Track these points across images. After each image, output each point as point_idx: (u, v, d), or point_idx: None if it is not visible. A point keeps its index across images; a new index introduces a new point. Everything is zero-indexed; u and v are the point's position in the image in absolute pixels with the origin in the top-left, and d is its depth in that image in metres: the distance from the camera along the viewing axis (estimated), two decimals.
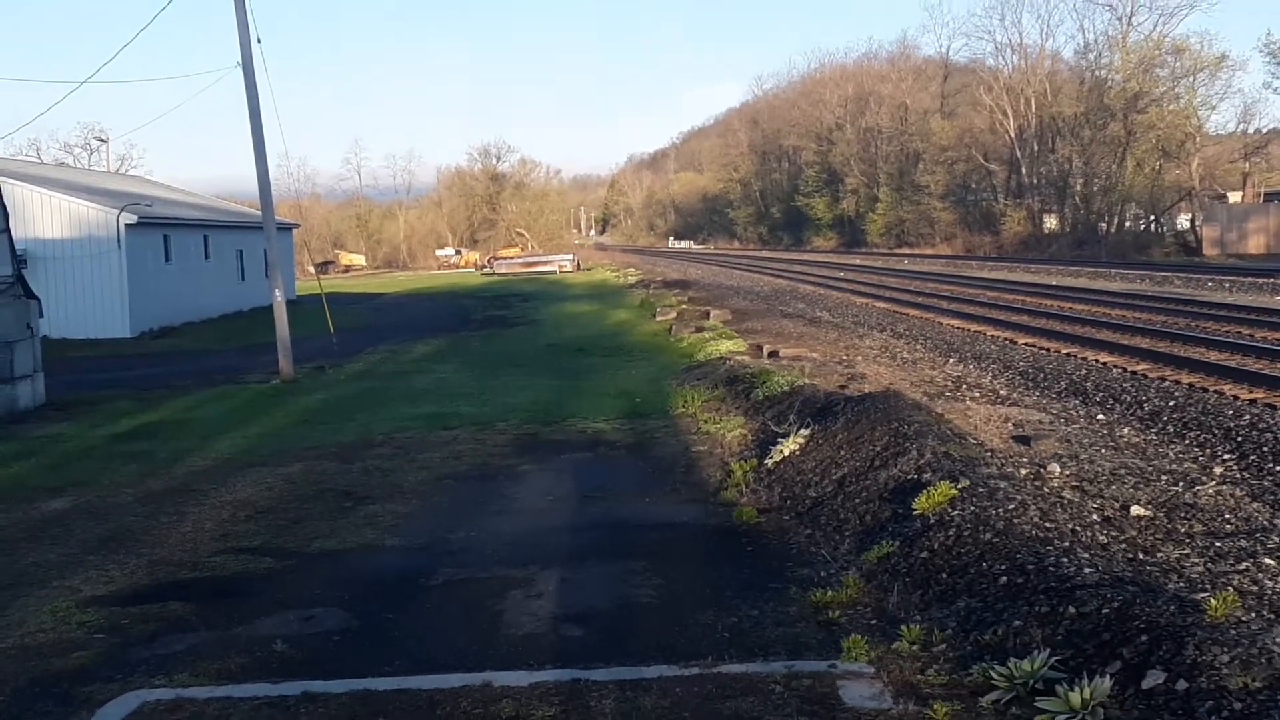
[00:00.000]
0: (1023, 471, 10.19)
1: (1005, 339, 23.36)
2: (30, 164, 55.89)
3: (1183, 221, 69.69)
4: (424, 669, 6.49)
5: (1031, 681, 5.57)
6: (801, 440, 11.71)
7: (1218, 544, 8.36)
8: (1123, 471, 10.87)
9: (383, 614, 7.61)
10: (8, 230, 19.23)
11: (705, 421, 14.85)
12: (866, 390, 14.67)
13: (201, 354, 30.00)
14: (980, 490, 8.60)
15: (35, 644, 7.22)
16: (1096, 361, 18.99)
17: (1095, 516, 8.79)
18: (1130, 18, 71.89)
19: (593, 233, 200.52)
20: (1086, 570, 6.81)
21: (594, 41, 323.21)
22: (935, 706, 5.59)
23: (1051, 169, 77.61)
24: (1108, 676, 5.43)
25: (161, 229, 38.11)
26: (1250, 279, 36.29)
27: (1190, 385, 15.86)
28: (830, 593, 7.47)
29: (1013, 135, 79.79)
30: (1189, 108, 65.71)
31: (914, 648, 6.42)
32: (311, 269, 69.34)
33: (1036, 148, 79.01)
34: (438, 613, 7.63)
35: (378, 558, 9.16)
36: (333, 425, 16.10)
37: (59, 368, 23.24)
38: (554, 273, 76.87)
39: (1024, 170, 80.00)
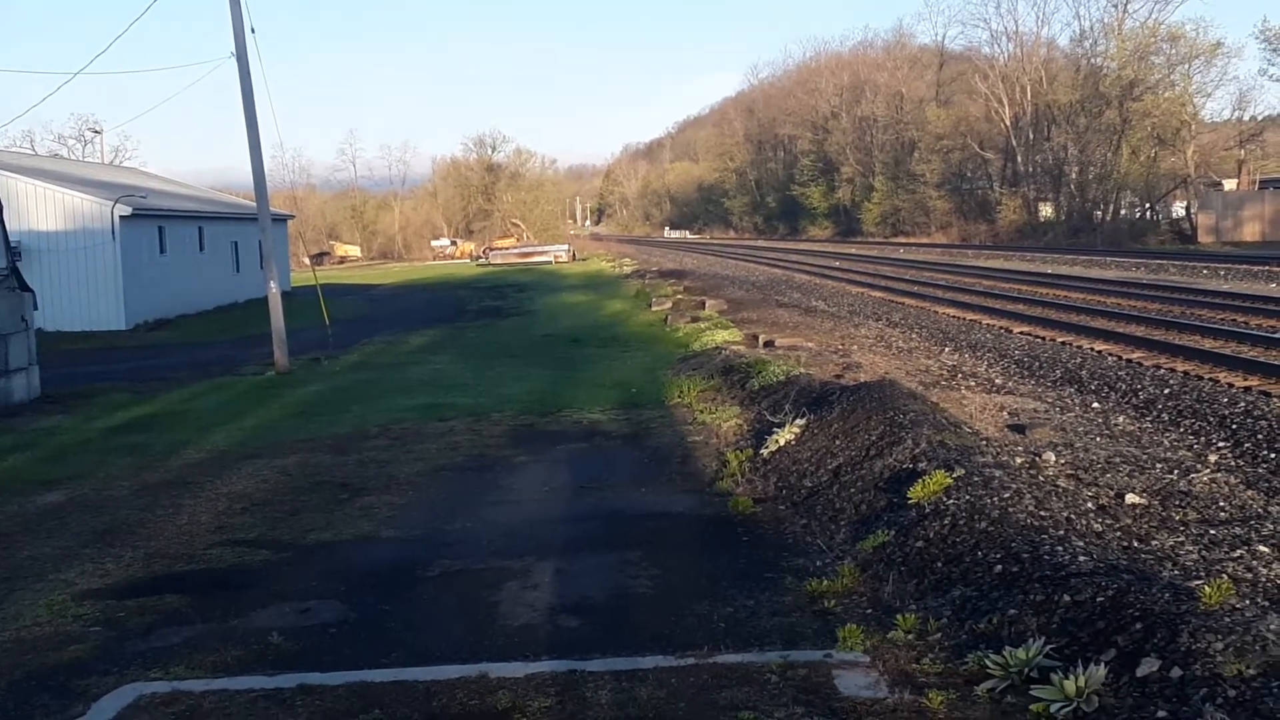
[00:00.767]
0: (1018, 460, 10.20)
1: (1001, 328, 23.38)
2: (24, 155, 55.80)
3: (1178, 209, 69.73)
4: (420, 660, 6.50)
5: (1026, 670, 5.58)
6: (797, 430, 11.72)
7: (1212, 531, 8.38)
8: (1118, 459, 10.88)
9: (379, 606, 7.61)
10: (2, 222, 19.18)
11: (701, 411, 14.85)
12: (862, 379, 14.68)
13: (197, 346, 29.98)
14: (975, 479, 8.61)
15: (31, 637, 7.22)
16: (1091, 350, 19.00)
17: (1090, 505, 8.80)
18: (1126, 5, 71.83)
19: (588, 223, 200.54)
20: (1081, 558, 6.82)
21: (590, 31, 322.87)
22: (930, 695, 5.60)
23: (1047, 157, 77.58)
24: (1102, 664, 5.44)
25: (156, 221, 38.06)
26: (1245, 266, 36.31)
27: (1185, 373, 15.87)
28: (825, 582, 7.48)
29: (1008, 123, 79.77)
30: (1184, 95, 65.72)
31: (909, 637, 6.43)
32: (306, 260, 69.24)
33: (1032, 136, 78.98)
34: (434, 604, 7.63)
35: (374, 549, 9.16)
36: (328, 417, 16.10)
37: (54, 360, 23.24)
38: (549, 263, 76.76)
39: (1019, 158, 79.99)
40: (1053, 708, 5.25)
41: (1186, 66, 66.18)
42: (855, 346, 21.25)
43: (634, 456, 12.59)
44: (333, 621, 7.33)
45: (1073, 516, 8.04)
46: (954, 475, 8.67)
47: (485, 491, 11.10)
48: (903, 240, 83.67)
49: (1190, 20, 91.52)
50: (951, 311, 27.33)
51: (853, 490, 9.55)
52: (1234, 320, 21.72)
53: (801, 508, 9.69)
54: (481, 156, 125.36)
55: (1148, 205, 70.81)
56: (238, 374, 22.25)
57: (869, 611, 7.00)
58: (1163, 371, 16.23)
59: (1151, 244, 60.42)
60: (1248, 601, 6.36)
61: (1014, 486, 8.46)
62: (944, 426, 10.71)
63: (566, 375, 19.71)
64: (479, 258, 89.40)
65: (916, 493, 8.53)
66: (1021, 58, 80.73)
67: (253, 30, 22.42)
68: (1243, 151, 68.84)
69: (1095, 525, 8.04)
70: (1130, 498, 9.17)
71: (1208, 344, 18.23)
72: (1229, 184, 68.08)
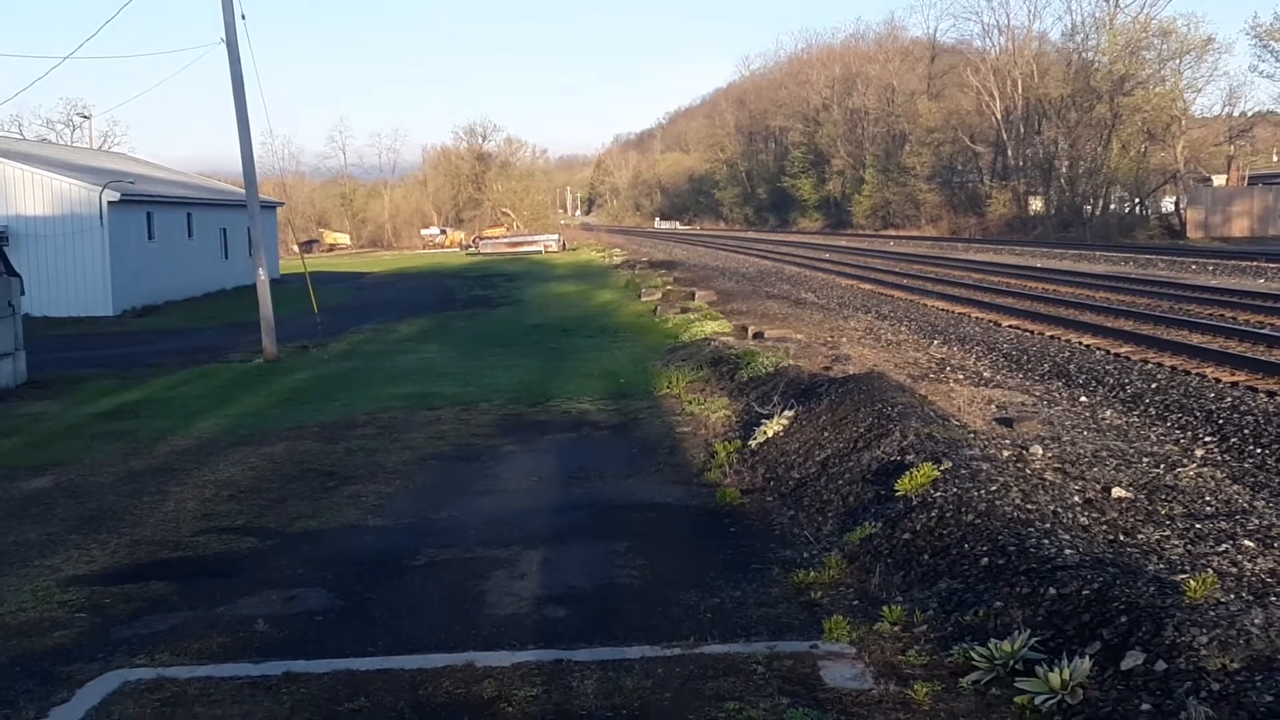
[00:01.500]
0: (1005, 453, 10.22)
1: (989, 321, 23.42)
2: (12, 140, 55.50)
3: (1167, 204, 69.89)
4: (406, 649, 6.49)
5: (1011, 662, 5.59)
6: (785, 421, 11.73)
7: (1198, 526, 8.40)
8: (1104, 453, 10.92)
9: (365, 594, 7.60)
10: None
11: (689, 402, 14.85)
12: (851, 372, 14.69)
13: (184, 332, 29.89)
14: (963, 472, 8.63)
15: (16, 623, 7.20)
16: (1080, 344, 19.05)
17: (1077, 498, 8.82)
18: (1117, 0, 71.92)
19: (579, 213, 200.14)
20: (1067, 552, 6.84)
21: (581, 21, 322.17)
22: (916, 687, 5.61)
23: (1037, 151, 77.66)
24: (1087, 657, 5.46)
25: (144, 206, 37.91)
26: (1234, 262, 36.42)
27: (1173, 368, 15.92)
28: (813, 574, 7.49)
29: (999, 117, 79.84)
30: (1175, 90, 65.78)
31: (895, 628, 6.44)
32: (295, 248, 69.06)
33: (1023, 130, 79.05)
34: (420, 593, 7.62)
35: (361, 538, 9.15)
36: (316, 405, 16.06)
37: (41, 346, 23.14)
38: (539, 253, 76.66)
39: (1010, 152, 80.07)
40: (1037, 700, 5.27)
41: (1177, 62, 66.27)
42: (844, 339, 21.27)
43: (622, 447, 12.59)
44: (319, 609, 7.31)
45: (1059, 510, 8.06)
46: (941, 468, 8.69)
47: (473, 481, 11.09)
48: (893, 233, 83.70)
49: (1181, 15, 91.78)
50: (941, 304, 27.37)
51: (840, 482, 9.56)
52: (1222, 315, 21.78)
53: (789, 499, 9.70)
54: (472, 145, 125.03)
55: (1137, 200, 70.91)
56: (225, 361, 22.19)
57: (855, 603, 7.01)
58: (1150, 366, 16.27)
59: (1141, 239, 60.56)
60: (1232, 595, 6.38)
61: (1001, 480, 8.48)
62: (932, 419, 10.72)
63: (555, 365, 19.69)
64: (469, 247, 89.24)
65: (904, 485, 8.54)
66: (1013, 51, 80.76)
67: (243, 16, 22.34)
68: (1232, 147, 68.97)
69: (1082, 519, 8.06)
70: (1117, 491, 9.19)
71: (1195, 339, 18.29)
72: (1218, 179, 68.18)
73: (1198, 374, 15.30)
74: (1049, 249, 51.60)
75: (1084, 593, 6.12)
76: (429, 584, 7.82)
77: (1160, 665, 5.28)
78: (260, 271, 22.99)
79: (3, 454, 13.26)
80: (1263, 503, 9.26)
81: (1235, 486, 9.84)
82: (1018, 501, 7.98)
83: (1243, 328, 19.22)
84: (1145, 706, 5.05)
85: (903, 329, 23.61)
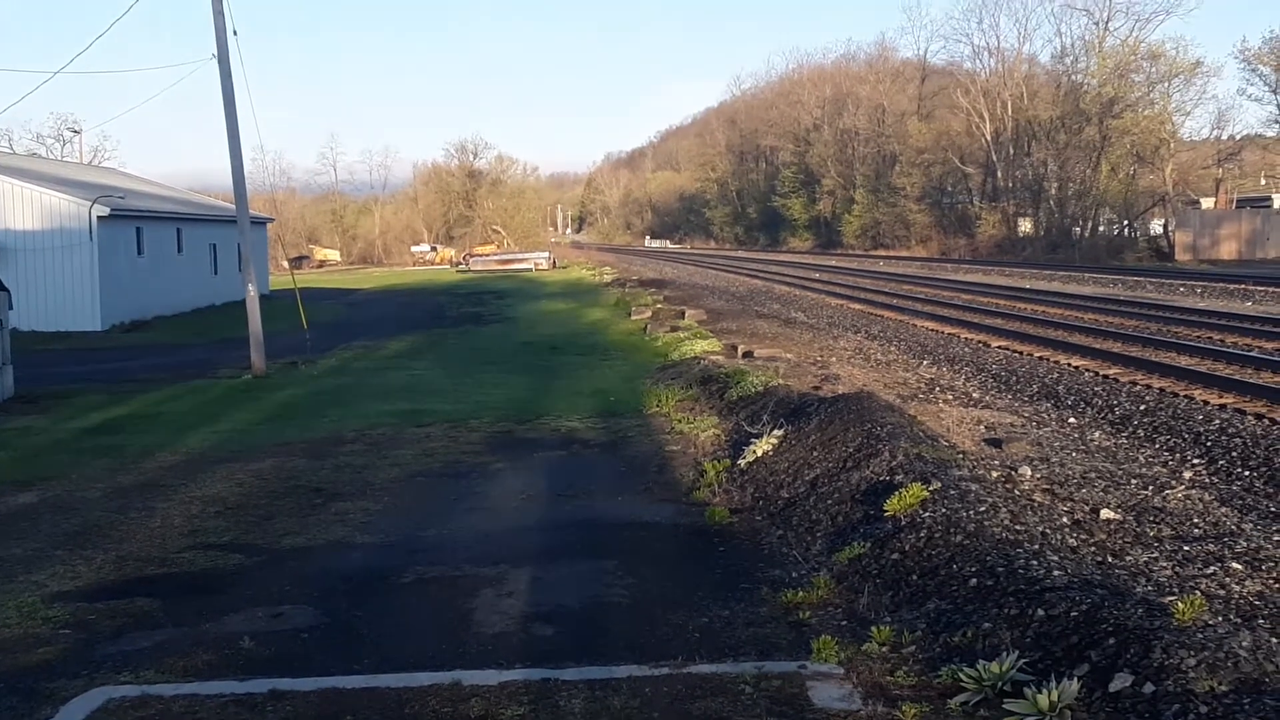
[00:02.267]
0: (994, 474, 10.23)
1: (979, 342, 23.47)
2: (2, 154, 55.44)
3: (1156, 226, 70.13)
4: (393, 667, 6.46)
5: (1000, 683, 5.58)
6: (775, 441, 11.72)
7: (1186, 548, 8.42)
8: (1093, 475, 10.93)
9: (352, 612, 7.57)
10: None
11: (679, 421, 14.84)
12: (840, 391, 14.70)
13: (173, 348, 29.82)
14: (951, 492, 8.63)
15: (0, 639, 7.15)
16: (1069, 365, 19.09)
17: (1065, 519, 8.83)
18: (1107, 22, 72.38)
19: (569, 231, 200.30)
20: (1056, 573, 6.84)
21: (573, 39, 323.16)
22: (904, 708, 5.60)
23: (1027, 172, 77.98)
24: (1075, 679, 5.46)
25: (134, 222, 37.86)
26: (1222, 284, 36.57)
27: (1161, 390, 15.96)
28: (801, 593, 7.48)
29: (989, 138, 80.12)
30: (1164, 113, 66.14)
31: (884, 649, 6.43)
32: (285, 264, 68.99)
33: (1012, 151, 79.37)
34: (407, 611, 7.59)
35: (348, 555, 9.11)
36: (305, 421, 16.02)
37: (29, 361, 23.05)
38: (530, 270, 76.70)
39: (999, 173, 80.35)
40: None
41: (1166, 85, 66.69)
42: (834, 358, 21.30)
43: (611, 465, 12.57)
44: (305, 627, 7.28)
45: (1048, 531, 8.07)
46: (930, 488, 8.69)
47: (461, 498, 11.06)
48: (883, 253, 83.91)
49: (1170, 39, 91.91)
50: (930, 325, 27.42)
51: (829, 502, 9.56)
52: (1210, 338, 21.86)
53: (778, 518, 9.69)
54: (463, 162, 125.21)
55: (1126, 222, 71.19)
56: (214, 377, 22.13)
57: (844, 623, 6.99)
58: (1139, 388, 16.31)
59: (1129, 261, 60.74)
60: (1220, 618, 6.39)
61: (990, 500, 8.48)
62: (921, 440, 10.73)
63: (545, 383, 19.68)
64: (459, 264, 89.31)
65: (893, 505, 8.53)
66: (1003, 73, 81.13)
67: (235, 32, 22.35)
68: (1220, 170, 69.33)
69: (1070, 540, 8.07)
70: (1105, 513, 9.20)
71: (1184, 361, 18.34)
72: (1207, 202, 68.51)
73: (1186, 396, 15.34)
74: (1038, 270, 51.76)
75: (1072, 614, 6.12)
76: (416, 602, 7.79)
77: (1148, 687, 5.27)
78: (250, 287, 22.97)
79: None
80: (1251, 525, 9.28)
81: (1223, 509, 9.86)
82: (1006, 522, 7.98)
83: (1231, 350, 19.27)
84: None
85: (892, 349, 23.64)
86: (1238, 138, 71.72)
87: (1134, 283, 40.26)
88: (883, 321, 29.55)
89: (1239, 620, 6.57)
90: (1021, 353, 21.19)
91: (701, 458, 12.52)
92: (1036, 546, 7.47)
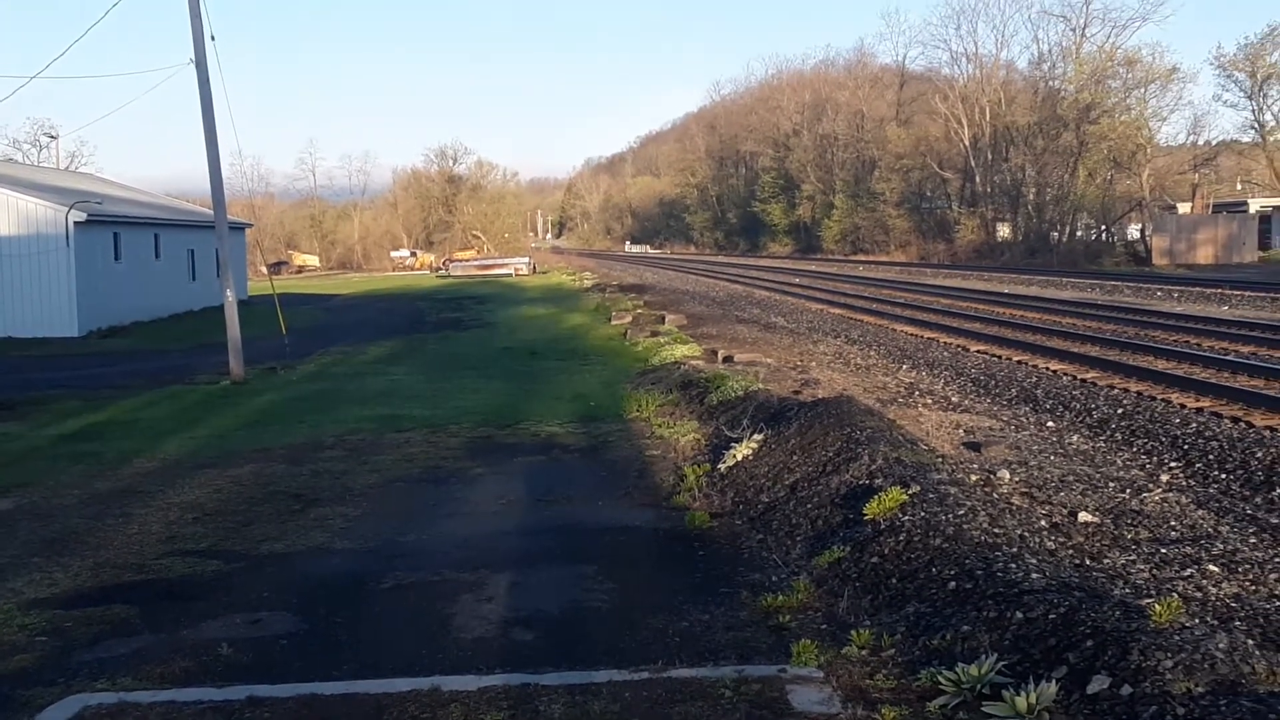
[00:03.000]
0: (973, 478, 10.26)
1: (958, 346, 23.54)
2: None
3: (1133, 231, 70.61)
4: (372, 673, 6.44)
5: (979, 686, 5.60)
6: (755, 445, 11.74)
7: (1163, 550, 8.46)
8: (1071, 478, 10.98)
9: (331, 617, 7.54)
10: None
11: (659, 426, 14.84)
12: (820, 396, 14.73)
13: (151, 354, 29.66)
14: (931, 496, 8.65)
15: None
16: (1047, 369, 19.17)
17: (1044, 523, 8.87)
18: (1084, 29, 72.96)
19: (549, 236, 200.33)
20: (1034, 576, 6.86)
21: (552, 45, 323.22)
22: (883, 711, 5.61)
23: (1005, 178, 78.39)
24: (1053, 681, 5.47)
25: (111, 227, 37.66)
26: (1199, 289, 36.81)
27: (1139, 393, 16.04)
28: (781, 597, 7.48)
29: (967, 144, 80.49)
30: (1140, 119, 66.60)
31: (863, 652, 6.44)
32: (264, 269, 68.81)
33: (990, 156, 79.76)
34: (387, 616, 7.57)
35: (327, 561, 9.08)
36: (283, 427, 15.96)
37: (4, 367, 22.94)
38: (510, 276, 76.70)
39: (978, 179, 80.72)
40: None
41: (1142, 91, 67.17)
42: (814, 363, 21.34)
43: (591, 470, 12.56)
44: (284, 633, 7.25)
45: (1026, 534, 8.10)
46: (910, 492, 8.71)
47: (441, 504, 11.03)
48: (862, 258, 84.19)
49: (1147, 45, 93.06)
50: (909, 329, 27.50)
51: (809, 506, 9.57)
52: (1187, 342, 21.99)
53: (758, 523, 9.70)
54: (443, 168, 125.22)
55: (1103, 227, 71.64)
56: (192, 383, 22.01)
57: (824, 627, 7.00)
58: (1116, 391, 16.39)
59: (1107, 265, 61.11)
60: (1197, 620, 6.42)
61: (969, 504, 8.51)
62: (900, 443, 10.76)
63: (525, 388, 19.65)
64: (439, 269, 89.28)
65: (872, 509, 8.55)
66: (981, 79, 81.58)
67: (213, 38, 22.28)
68: (1197, 175, 69.82)
69: (1048, 543, 8.10)
70: (1083, 516, 9.24)
71: (1161, 365, 18.44)
72: (1183, 207, 68.96)
73: (1163, 399, 15.42)
74: (1017, 275, 51.98)
75: (1050, 617, 6.14)
76: (395, 607, 7.76)
77: (1126, 689, 5.30)
78: (228, 293, 22.87)
79: None
80: (1227, 528, 9.33)
81: (1200, 511, 9.91)
82: (985, 525, 8.00)
83: (1207, 354, 19.39)
84: None
85: (872, 354, 23.70)
86: (1214, 143, 72.35)
87: (1112, 287, 40.47)
88: (862, 326, 29.62)
89: (1216, 622, 6.61)
90: (1000, 357, 21.26)
91: (682, 462, 12.52)
92: (1015, 549, 7.49)
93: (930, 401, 16.57)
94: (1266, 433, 12.86)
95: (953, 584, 7.05)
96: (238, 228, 51.82)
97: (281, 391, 20.36)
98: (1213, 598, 7.31)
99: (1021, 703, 5.29)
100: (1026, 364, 20.03)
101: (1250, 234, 61.36)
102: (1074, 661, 5.68)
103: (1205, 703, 5.05)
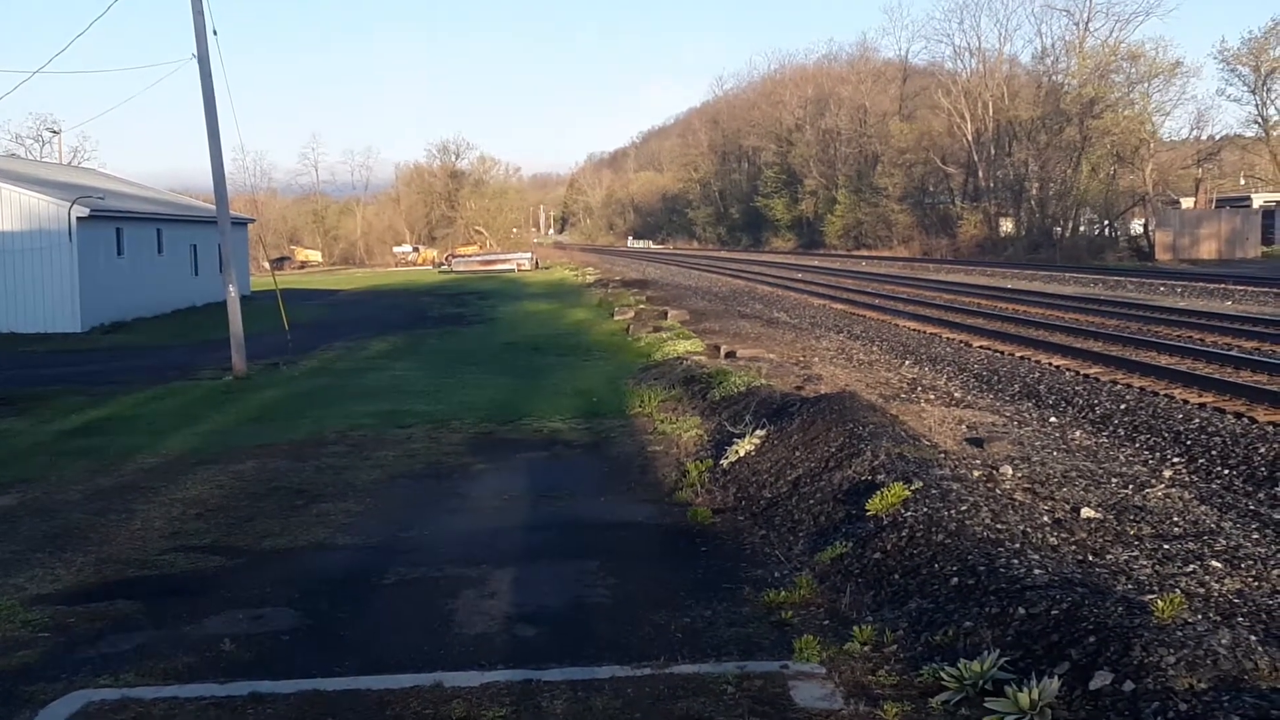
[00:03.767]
0: (975, 473, 10.26)
1: (960, 341, 23.53)
2: None
3: (1136, 226, 70.46)
4: (374, 669, 6.45)
5: (981, 682, 5.60)
6: (757, 441, 11.74)
7: (1166, 546, 8.45)
8: (1074, 474, 10.97)
9: (333, 613, 7.55)
10: None
11: (661, 421, 14.84)
12: (822, 391, 14.72)
13: (154, 349, 29.67)
14: (933, 492, 8.65)
15: None
16: (1050, 365, 19.16)
17: (1046, 518, 8.86)
18: (1087, 23, 72.74)
19: (552, 231, 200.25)
20: (1037, 572, 6.86)
21: (554, 39, 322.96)
22: (886, 707, 5.61)
23: (1008, 173, 78.22)
24: (1056, 677, 5.47)
25: (114, 222, 37.65)
26: (1202, 284, 36.76)
27: (1141, 389, 16.02)
28: (783, 593, 7.48)
29: (970, 139, 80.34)
30: (1143, 114, 66.40)
31: (866, 648, 6.44)
32: (266, 265, 68.81)
33: (993, 151, 79.60)
34: (389, 612, 7.58)
35: (329, 556, 9.09)
36: (286, 422, 15.97)
37: (6, 362, 22.96)
38: (512, 271, 76.68)
39: (981, 174, 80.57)
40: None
41: (1146, 85, 66.93)
42: (816, 358, 21.33)
43: (594, 466, 12.57)
44: (286, 629, 7.26)
45: (1029, 530, 8.09)
46: (912, 488, 8.71)
47: (443, 499, 11.04)
48: (865, 253, 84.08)
49: (1150, 40, 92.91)
50: (912, 325, 27.48)
51: (812, 502, 9.57)
52: (1190, 337, 21.96)
53: (760, 519, 9.70)
54: (445, 163, 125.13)
55: (1107, 222, 71.50)
56: (195, 378, 22.03)
57: (826, 623, 7.01)
58: (1119, 387, 16.37)
59: (1110, 260, 60.99)
60: (1200, 616, 6.42)
61: (971, 500, 8.50)
62: (903, 439, 10.75)
63: (527, 383, 19.65)
64: (442, 264, 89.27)
65: (875, 505, 8.55)
66: (984, 74, 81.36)
67: (215, 32, 22.24)
68: (1200, 170, 69.65)
69: (1051, 539, 8.09)
70: (1086, 512, 9.24)
71: (1164, 360, 18.42)
72: (1186, 202, 68.87)
73: (1166, 395, 15.41)
74: (1019, 270, 51.92)
75: (1053, 613, 6.14)
76: (398, 603, 7.77)
77: (1128, 685, 5.29)
78: (231, 288, 22.87)
79: None
80: (1230, 523, 9.32)
81: (1203, 507, 9.90)
82: (988, 521, 8.00)
83: (1211, 349, 19.36)
84: None
85: (874, 349, 23.69)
86: (1217, 138, 72.10)
87: (1114, 282, 40.42)
88: (865, 321, 29.61)
89: (1218, 618, 6.60)
90: (1003, 352, 21.25)
91: (684, 458, 12.52)
92: (1018, 545, 7.49)
93: (933, 397, 16.56)
94: (1270, 428, 12.85)
95: (955, 580, 7.04)
96: (240, 223, 51.79)
97: (284, 387, 20.37)
98: (1215, 593, 7.31)
99: (1024, 699, 5.28)
100: (1029, 359, 20.01)
101: (1254, 229, 61.28)
102: (1077, 657, 5.68)
103: (1208, 698, 5.04)
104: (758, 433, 11.97)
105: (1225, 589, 7.41)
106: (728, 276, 56.78)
